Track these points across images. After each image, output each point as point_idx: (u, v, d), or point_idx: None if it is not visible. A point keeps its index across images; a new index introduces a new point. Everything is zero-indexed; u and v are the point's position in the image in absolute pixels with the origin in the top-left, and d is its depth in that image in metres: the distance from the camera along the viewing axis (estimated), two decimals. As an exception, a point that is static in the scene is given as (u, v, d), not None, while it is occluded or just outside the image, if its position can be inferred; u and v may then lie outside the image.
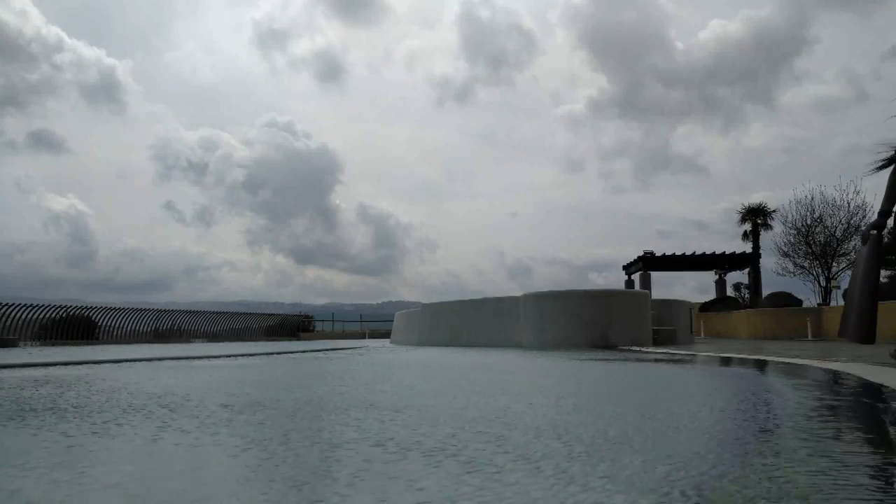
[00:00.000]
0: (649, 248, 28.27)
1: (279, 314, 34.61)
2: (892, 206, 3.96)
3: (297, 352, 8.62)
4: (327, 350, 9.40)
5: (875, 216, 4.13)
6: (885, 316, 11.85)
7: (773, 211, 27.46)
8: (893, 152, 4.03)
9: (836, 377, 3.21)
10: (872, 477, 1.16)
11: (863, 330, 3.97)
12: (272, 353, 7.82)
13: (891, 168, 3.99)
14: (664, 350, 7.51)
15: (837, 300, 22.25)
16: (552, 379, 3.85)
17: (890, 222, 4.09)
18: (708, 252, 27.80)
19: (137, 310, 25.80)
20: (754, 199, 32.47)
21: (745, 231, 28.48)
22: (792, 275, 23.97)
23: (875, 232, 4.08)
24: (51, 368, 4.98)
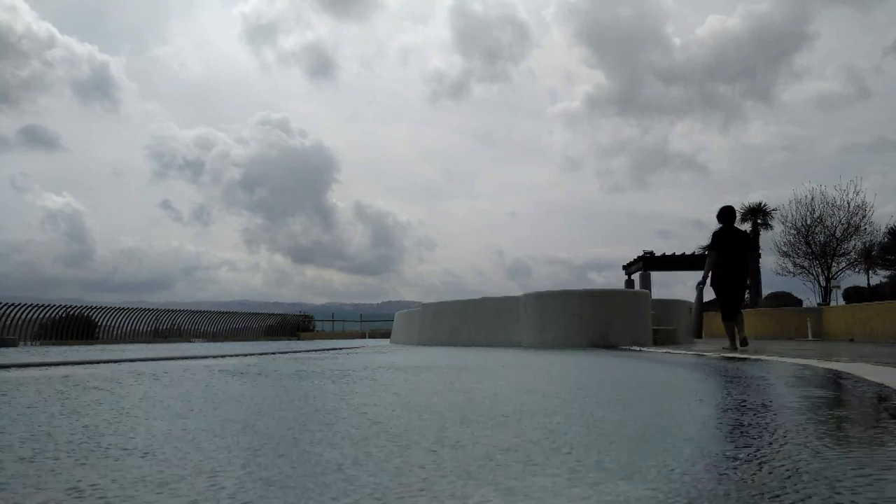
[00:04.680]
0: (649, 247, 28.33)
1: (279, 314, 34.63)
2: (707, 279, 7.46)
3: (290, 352, 8.62)
4: (323, 350, 9.40)
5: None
6: (886, 315, 11.80)
7: (773, 210, 27.46)
8: (711, 240, 7.52)
9: (838, 376, 3.24)
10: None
11: (696, 331, 8.76)
12: (252, 354, 7.82)
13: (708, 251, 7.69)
14: (664, 349, 7.51)
15: (838, 300, 22.26)
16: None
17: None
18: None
19: (137, 309, 25.84)
20: (753, 198, 32.50)
21: (745, 230, 28.40)
22: (792, 275, 23.97)
23: (701, 287, 7.67)
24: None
